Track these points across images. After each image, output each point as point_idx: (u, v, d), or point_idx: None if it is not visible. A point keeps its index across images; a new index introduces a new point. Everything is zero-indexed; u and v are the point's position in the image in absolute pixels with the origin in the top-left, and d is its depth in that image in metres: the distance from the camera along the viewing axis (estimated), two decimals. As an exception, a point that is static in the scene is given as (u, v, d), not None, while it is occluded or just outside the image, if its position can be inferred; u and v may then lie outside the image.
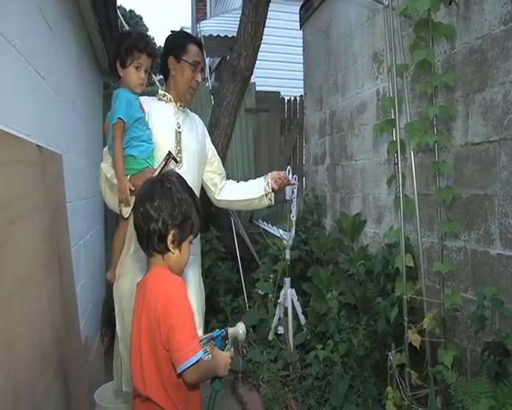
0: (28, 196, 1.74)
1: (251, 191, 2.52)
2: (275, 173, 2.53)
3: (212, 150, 2.54)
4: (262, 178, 2.53)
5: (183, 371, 1.41)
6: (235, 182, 2.59)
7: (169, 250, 1.50)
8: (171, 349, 1.42)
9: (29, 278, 1.65)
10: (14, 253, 1.52)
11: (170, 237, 1.48)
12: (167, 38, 2.39)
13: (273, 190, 2.49)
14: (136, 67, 2.09)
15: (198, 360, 1.41)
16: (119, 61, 2.10)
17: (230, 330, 1.69)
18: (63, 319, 2.05)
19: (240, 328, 1.71)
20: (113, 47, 2.21)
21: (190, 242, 1.56)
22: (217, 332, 1.65)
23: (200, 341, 1.54)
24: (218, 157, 2.59)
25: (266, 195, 2.49)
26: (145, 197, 1.50)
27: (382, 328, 2.66)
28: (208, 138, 2.55)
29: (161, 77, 2.63)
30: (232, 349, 1.66)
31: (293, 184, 2.82)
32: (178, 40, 2.36)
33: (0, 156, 1.46)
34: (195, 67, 2.30)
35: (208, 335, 1.63)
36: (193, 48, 2.32)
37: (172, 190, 1.50)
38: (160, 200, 1.47)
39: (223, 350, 1.63)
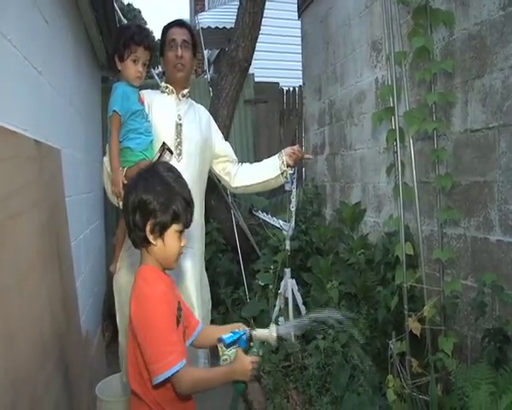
0: (26, 191, 1.74)
1: (266, 173, 2.50)
2: (288, 149, 2.50)
3: (220, 141, 2.52)
4: (276, 156, 2.50)
5: (157, 384, 1.36)
6: (248, 165, 2.57)
7: (149, 242, 1.44)
8: (145, 361, 1.38)
9: (28, 272, 1.66)
10: (13, 248, 1.52)
11: (148, 228, 1.42)
12: None
13: (288, 166, 2.47)
14: (134, 61, 2.09)
15: (172, 375, 1.33)
16: (117, 54, 2.10)
17: (258, 331, 1.53)
18: (63, 313, 2.06)
19: (272, 330, 1.53)
20: (113, 41, 2.21)
21: (180, 232, 1.48)
22: (238, 333, 1.50)
23: (220, 341, 1.48)
24: (227, 144, 2.57)
25: (282, 173, 2.47)
26: (126, 190, 1.50)
27: (383, 317, 2.66)
28: (215, 129, 2.53)
29: (160, 70, 2.65)
30: (259, 353, 1.49)
31: (308, 158, 2.75)
32: (161, 38, 2.37)
33: (-1, 152, 1.46)
34: (172, 45, 2.30)
35: (229, 335, 1.49)
36: (168, 32, 2.34)
37: (149, 180, 1.45)
38: (136, 192, 1.43)
39: (247, 352, 1.47)
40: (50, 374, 1.77)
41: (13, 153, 1.64)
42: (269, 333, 1.53)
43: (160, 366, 1.34)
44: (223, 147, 2.52)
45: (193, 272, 2.27)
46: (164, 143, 2.06)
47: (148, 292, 1.41)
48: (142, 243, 1.46)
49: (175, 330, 1.42)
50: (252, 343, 1.51)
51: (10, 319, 1.43)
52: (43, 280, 1.84)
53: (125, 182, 1.96)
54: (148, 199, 1.42)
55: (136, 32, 2.09)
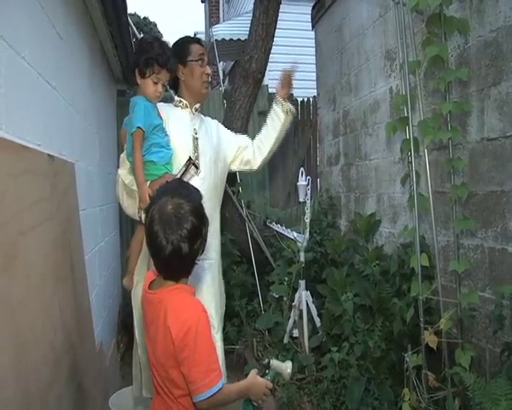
0: (39, 206, 1.75)
1: (274, 127, 2.49)
2: (277, 86, 2.48)
3: (230, 145, 2.50)
4: (273, 104, 2.49)
5: (198, 401, 1.42)
6: (258, 137, 2.56)
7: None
8: (187, 379, 1.41)
9: (40, 286, 1.67)
10: (25, 262, 1.53)
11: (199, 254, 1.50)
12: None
13: (284, 99, 2.45)
14: (155, 82, 2.11)
15: (214, 393, 1.40)
16: (139, 69, 2.12)
17: (275, 362, 1.64)
18: (76, 325, 2.07)
19: (288, 366, 1.64)
20: (134, 54, 2.24)
21: None
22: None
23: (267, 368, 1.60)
24: (236, 138, 2.58)
25: (286, 113, 2.46)
26: (168, 229, 1.42)
27: (398, 329, 2.62)
28: (224, 138, 2.52)
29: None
30: (273, 382, 1.60)
31: (294, 71, 2.54)
32: (179, 47, 2.39)
33: (10, 167, 1.48)
34: (202, 62, 2.33)
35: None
36: (194, 46, 2.36)
37: (194, 215, 1.45)
38: (188, 229, 1.43)
39: (262, 377, 1.58)
40: (63, 386, 1.77)
41: (26, 168, 1.65)
42: (284, 367, 1.63)
43: (200, 386, 1.39)
44: (234, 147, 2.52)
45: (212, 283, 2.27)
46: (190, 157, 2.07)
47: (198, 316, 1.44)
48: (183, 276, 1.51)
49: (215, 347, 1.49)
50: (267, 371, 1.61)
51: (22, 333, 1.44)
52: (56, 293, 1.85)
53: (152, 194, 1.95)
54: (200, 239, 1.47)
55: (159, 52, 2.10)
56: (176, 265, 1.45)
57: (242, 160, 2.53)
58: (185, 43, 2.39)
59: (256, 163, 2.54)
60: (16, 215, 1.49)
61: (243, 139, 2.58)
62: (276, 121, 2.48)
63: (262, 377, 1.58)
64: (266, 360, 1.63)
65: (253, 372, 1.56)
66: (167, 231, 1.40)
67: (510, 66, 2.26)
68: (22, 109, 1.77)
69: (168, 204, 1.44)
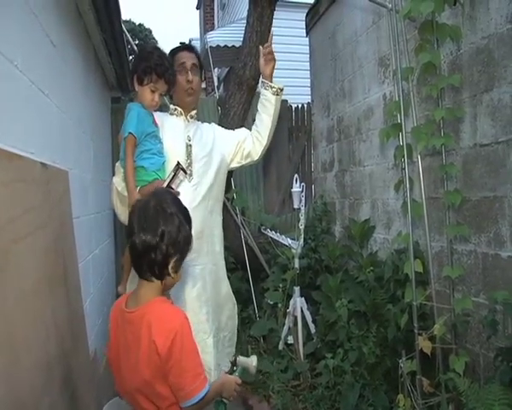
0: (31, 214, 1.74)
1: (268, 113, 2.46)
2: (261, 64, 2.44)
3: (227, 147, 2.48)
4: (261, 89, 2.47)
5: (188, 406, 1.44)
6: (254, 128, 2.54)
7: (169, 275, 1.50)
8: (175, 387, 1.43)
9: (32, 294, 1.66)
10: (17, 271, 1.53)
11: (171, 264, 1.48)
12: None
13: (271, 77, 2.42)
14: (153, 91, 2.12)
15: (203, 396, 1.43)
16: (137, 76, 2.13)
17: (241, 358, 1.71)
18: (70, 333, 2.06)
19: (253, 360, 1.71)
20: (134, 60, 2.25)
21: None
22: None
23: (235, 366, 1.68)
24: (233, 135, 2.55)
25: (277, 95, 2.43)
26: (144, 223, 1.46)
27: (393, 335, 2.62)
28: (221, 134, 2.51)
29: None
30: (239, 377, 1.66)
31: (269, 48, 2.43)
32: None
33: (1, 175, 1.47)
34: (182, 69, 2.33)
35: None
36: (178, 56, 2.37)
37: (174, 216, 1.48)
38: (165, 226, 1.45)
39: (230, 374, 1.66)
40: (56, 394, 1.76)
41: (18, 177, 1.64)
42: (250, 361, 1.71)
43: (187, 392, 1.42)
44: (234, 143, 2.50)
45: (202, 289, 2.25)
46: (178, 162, 2.07)
47: (180, 325, 1.44)
48: (159, 277, 1.49)
49: (198, 351, 1.50)
50: (235, 367, 1.70)
51: (15, 341, 1.43)
52: (49, 302, 1.84)
53: None
54: (178, 236, 1.47)
55: (158, 63, 2.10)
56: (148, 261, 1.46)
57: (243, 154, 2.51)
58: (172, 54, 2.40)
59: (256, 154, 2.53)
60: (8, 223, 1.49)
61: (241, 132, 2.57)
62: (269, 106, 2.45)
63: (231, 374, 1.66)
64: (233, 358, 1.73)
65: (223, 371, 1.68)
66: (144, 225, 1.45)
67: (502, 72, 2.28)
68: (14, 117, 1.76)
69: (151, 201, 1.49)
